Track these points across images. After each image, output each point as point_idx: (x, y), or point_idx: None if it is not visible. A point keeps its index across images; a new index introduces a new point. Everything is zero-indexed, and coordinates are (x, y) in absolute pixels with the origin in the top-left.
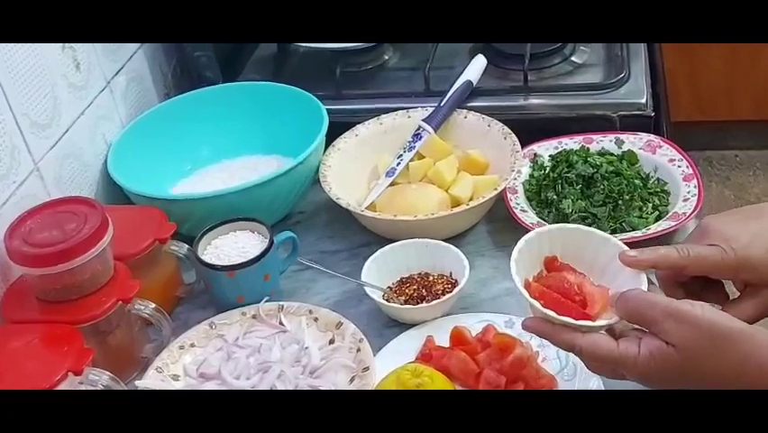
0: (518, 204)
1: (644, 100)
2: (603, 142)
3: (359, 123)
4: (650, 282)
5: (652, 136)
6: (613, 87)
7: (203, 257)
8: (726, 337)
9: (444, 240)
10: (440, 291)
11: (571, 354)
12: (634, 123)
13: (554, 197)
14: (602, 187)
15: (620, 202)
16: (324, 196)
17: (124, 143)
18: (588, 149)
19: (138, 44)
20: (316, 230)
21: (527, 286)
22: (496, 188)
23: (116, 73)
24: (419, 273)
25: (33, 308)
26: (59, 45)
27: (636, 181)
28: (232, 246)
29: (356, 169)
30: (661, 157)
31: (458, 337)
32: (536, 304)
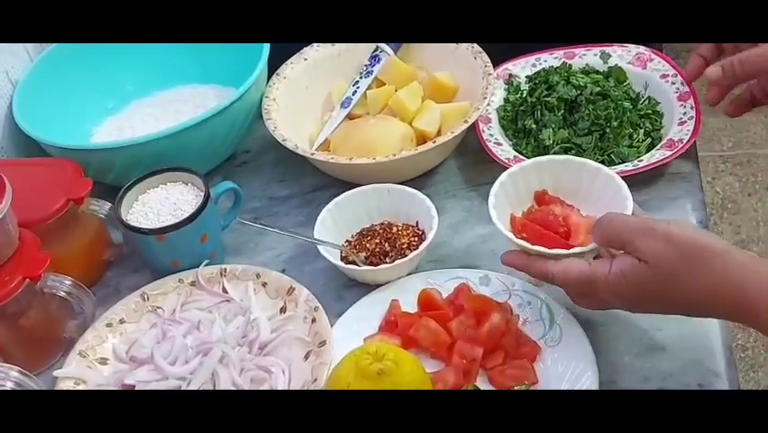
0: (492, 135)
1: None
2: (587, 56)
3: (305, 44)
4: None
5: (642, 48)
6: None
7: (128, 218)
8: (701, 255)
9: (409, 180)
10: (405, 245)
11: (557, 315)
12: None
13: (533, 125)
14: (587, 112)
15: (608, 130)
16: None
17: (32, 81)
18: (570, 66)
19: None
20: (264, 172)
21: (513, 221)
22: (467, 120)
23: None
24: (381, 224)
25: None
26: None
27: (625, 103)
28: (162, 202)
29: (306, 100)
30: (652, 72)
31: (427, 302)
32: (510, 235)
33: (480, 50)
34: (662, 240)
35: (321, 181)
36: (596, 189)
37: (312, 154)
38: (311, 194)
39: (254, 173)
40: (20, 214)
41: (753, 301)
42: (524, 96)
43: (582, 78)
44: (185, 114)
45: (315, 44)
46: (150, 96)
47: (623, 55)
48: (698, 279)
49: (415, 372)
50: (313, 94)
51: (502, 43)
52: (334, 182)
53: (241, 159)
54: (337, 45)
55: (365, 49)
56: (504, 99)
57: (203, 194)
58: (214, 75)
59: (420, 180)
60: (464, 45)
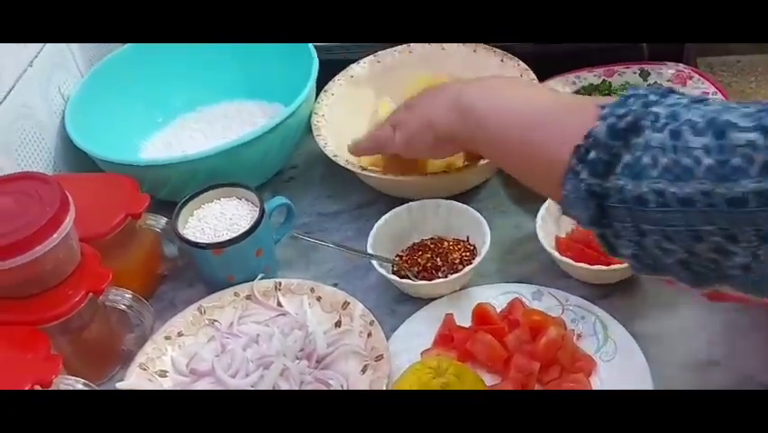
0: None
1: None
2: (626, 74)
3: (352, 60)
4: None
5: (681, 66)
6: None
7: (184, 232)
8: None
9: (456, 195)
10: (457, 260)
11: (611, 330)
12: (662, 51)
13: None
14: None
15: None
16: (318, 146)
17: (84, 96)
18: (610, 84)
19: None
20: (313, 188)
21: (558, 242)
22: None
23: None
24: (432, 239)
25: None
26: None
27: None
28: (217, 217)
29: (353, 116)
30: (692, 90)
31: (482, 316)
32: (556, 254)
33: (526, 67)
34: None
35: (369, 196)
36: None
37: (363, 170)
38: (359, 209)
39: (302, 188)
40: (80, 229)
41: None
42: None
43: None
44: (232, 130)
45: (361, 61)
46: (195, 112)
47: (662, 73)
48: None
49: (476, 386)
50: (359, 110)
51: (542, 60)
52: (382, 197)
53: (288, 174)
54: (383, 61)
55: (411, 65)
56: None
57: (257, 209)
58: (259, 91)
59: (466, 196)
60: (511, 62)
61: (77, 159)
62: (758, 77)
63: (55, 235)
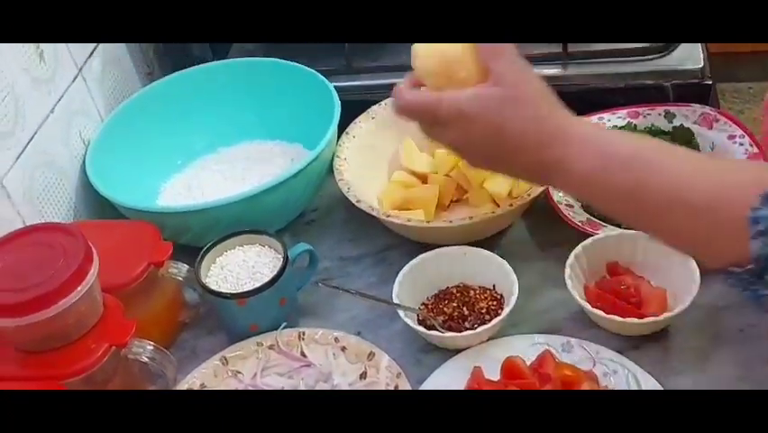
0: (562, 196)
1: (700, 65)
2: (651, 116)
3: (372, 100)
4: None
5: (707, 108)
6: (665, 52)
7: (207, 281)
8: (538, 95)
9: (479, 240)
10: (484, 310)
11: (644, 385)
12: (688, 92)
13: None
14: None
15: None
16: (338, 188)
17: (104, 140)
18: (635, 126)
19: None
20: (334, 231)
21: (587, 291)
22: None
23: (89, 56)
24: (457, 286)
25: (11, 361)
26: None
27: None
28: (240, 265)
29: (374, 158)
30: (719, 133)
31: (511, 370)
32: (586, 305)
33: None
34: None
35: (392, 240)
36: (663, 261)
37: (387, 217)
38: (382, 253)
39: (324, 232)
40: (103, 279)
41: (570, 141)
42: None
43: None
44: (252, 171)
45: (382, 102)
46: (215, 153)
47: (688, 115)
48: (526, 111)
49: None
50: (380, 151)
51: (565, 101)
52: (405, 241)
53: (309, 216)
54: None
55: None
56: None
57: (281, 257)
58: (279, 131)
59: (490, 242)
60: None
61: (98, 204)
62: None
63: (79, 288)
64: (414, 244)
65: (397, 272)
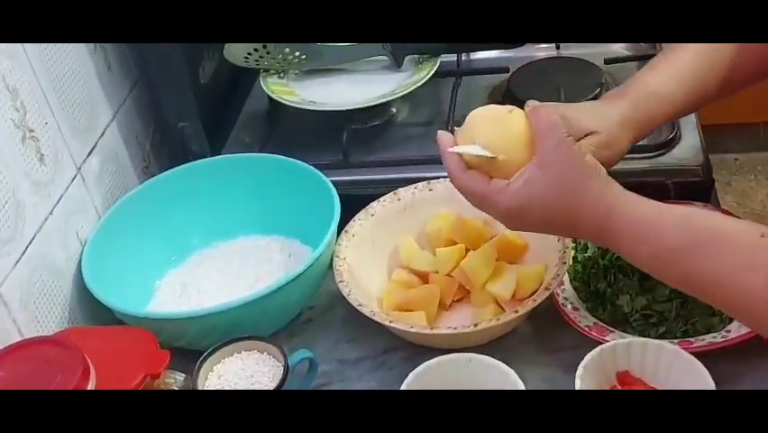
0: (567, 299)
1: (700, 162)
2: None
3: (369, 195)
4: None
5: (709, 206)
6: (665, 149)
7: None
8: (588, 174)
9: (482, 345)
10: None
11: None
12: (689, 189)
13: (607, 289)
14: None
15: (690, 298)
16: (336, 285)
17: (100, 239)
18: None
19: (111, 116)
20: (332, 332)
21: None
22: (548, 288)
23: (88, 155)
24: None
25: None
26: (19, 138)
27: None
28: (238, 374)
29: (373, 256)
30: None
31: None
32: None
33: None
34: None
35: (392, 342)
36: (676, 372)
37: (390, 323)
38: (382, 356)
39: (321, 332)
40: None
41: (615, 226)
42: (594, 256)
43: None
44: (248, 267)
45: (381, 198)
46: (211, 248)
47: None
48: (577, 194)
49: None
50: (379, 249)
51: None
52: (406, 343)
53: (306, 315)
54: (403, 199)
55: (431, 203)
56: (572, 258)
57: (281, 366)
58: (276, 226)
59: (494, 344)
60: None
61: (93, 305)
62: (757, 175)
63: None
64: (415, 346)
65: (398, 377)
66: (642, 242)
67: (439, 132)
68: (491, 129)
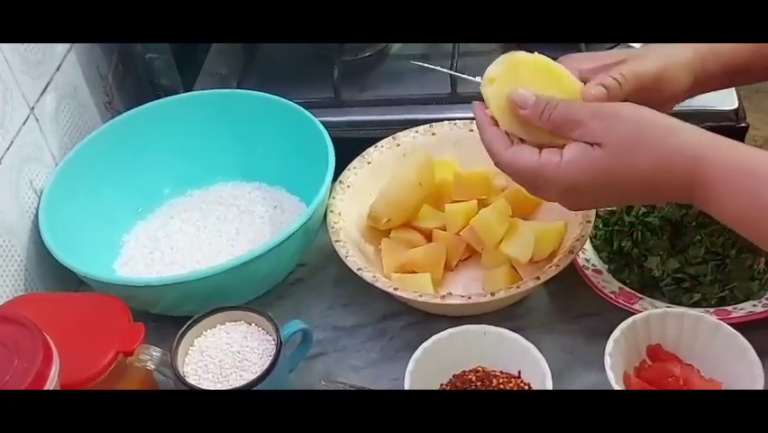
0: (588, 260)
1: (734, 106)
2: None
3: (364, 138)
4: None
5: None
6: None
7: (185, 371)
8: (655, 128)
9: (496, 310)
10: None
11: None
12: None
13: (634, 250)
14: (698, 238)
15: (728, 261)
16: (328, 240)
17: (58, 189)
18: None
19: (68, 45)
20: (325, 294)
21: (626, 380)
22: (572, 251)
23: (42, 92)
24: (475, 371)
25: None
26: None
27: None
28: (223, 349)
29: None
30: None
31: None
32: None
33: None
34: (612, 119)
35: (393, 307)
36: (715, 348)
37: (395, 290)
38: (383, 323)
39: (313, 294)
40: (63, 373)
41: (709, 173)
42: (618, 212)
43: None
44: (228, 220)
45: (378, 144)
46: (185, 197)
47: None
48: (651, 151)
49: None
50: None
51: None
52: (408, 308)
53: (296, 274)
54: (403, 144)
55: (435, 148)
56: (594, 214)
57: (272, 339)
58: (258, 172)
59: (509, 310)
60: None
61: (53, 266)
62: None
63: None
64: (417, 311)
65: (399, 347)
66: (738, 192)
67: (474, 103)
68: (544, 82)
